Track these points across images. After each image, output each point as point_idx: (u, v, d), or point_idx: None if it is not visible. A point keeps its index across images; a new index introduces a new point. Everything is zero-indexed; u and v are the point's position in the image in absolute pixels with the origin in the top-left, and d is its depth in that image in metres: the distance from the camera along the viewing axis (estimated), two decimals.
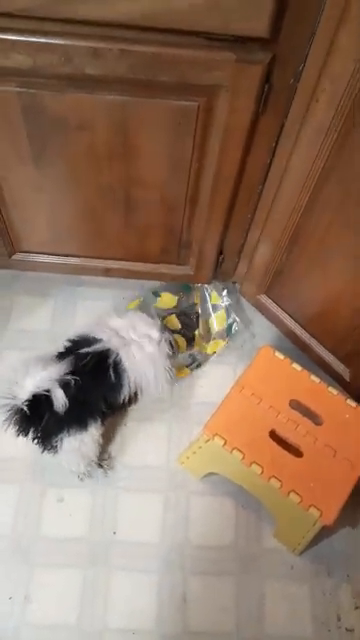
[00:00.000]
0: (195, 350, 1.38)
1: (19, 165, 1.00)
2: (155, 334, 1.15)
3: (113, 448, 1.27)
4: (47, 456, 1.24)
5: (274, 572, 1.16)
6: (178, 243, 1.22)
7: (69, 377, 1.04)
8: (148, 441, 1.28)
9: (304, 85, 0.82)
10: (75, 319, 1.43)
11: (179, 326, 1.36)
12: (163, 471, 1.25)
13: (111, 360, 1.09)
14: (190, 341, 1.37)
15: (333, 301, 1.13)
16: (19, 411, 1.01)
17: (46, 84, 0.84)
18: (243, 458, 1.02)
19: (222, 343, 1.40)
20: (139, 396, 1.17)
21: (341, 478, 1.01)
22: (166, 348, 1.17)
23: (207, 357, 1.39)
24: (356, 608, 1.13)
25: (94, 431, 1.10)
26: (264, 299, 1.33)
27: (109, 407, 1.13)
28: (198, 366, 1.38)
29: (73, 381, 1.03)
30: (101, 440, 1.15)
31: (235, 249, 1.26)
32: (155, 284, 1.45)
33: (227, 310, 1.42)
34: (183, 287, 1.43)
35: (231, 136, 0.92)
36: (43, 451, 1.09)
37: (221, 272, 1.34)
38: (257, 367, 1.14)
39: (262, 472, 1.00)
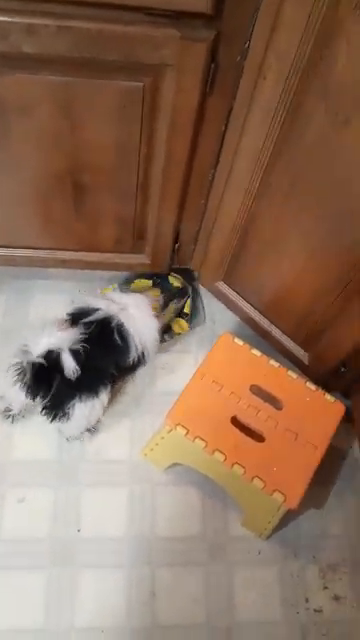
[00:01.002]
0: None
1: None
2: (144, 297, 1.22)
3: (74, 443, 1.24)
4: (4, 456, 1.21)
5: (242, 559, 1.16)
6: (132, 232, 1.19)
7: (79, 345, 1.07)
8: (110, 434, 1.26)
9: (251, 63, 0.80)
10: (29, 314, 1.39)
11: (158, 293, 1.36)
12: (126, 464, 1.23)
13: (114, 324, 1.13)
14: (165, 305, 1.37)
15: (290, 285, 1.13)
16: (34, 366, 1.04)
17: None
18: (206, 446, 1.00)
19: (185, 327, 1.39)
20: (146, 357, 1.21)
21: (303, 461, 1.01)
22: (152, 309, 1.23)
23: (173, 335, 1.39)
24: (324, 588, 1.14)
25: (104, 397, 1.15)
26: (222, 286, 1.32)
27: (119, 370, 1.19)
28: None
29: (82, 349, 1.07)
30: (107, 404, 1.18)
31: (190, 236, 1.24)
32: (112, 274, 1.42)
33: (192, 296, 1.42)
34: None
35: (179, 118, 0.90)
36: (53, 419, 1.10)
37: (178, 260, 1.32)
38: (217, 354, 1.13)
39: (225, 459, 0.99)
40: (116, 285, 1.39)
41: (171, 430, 1.05)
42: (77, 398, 1.08)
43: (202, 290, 1.44)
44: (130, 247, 1.24)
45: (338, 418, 1.06)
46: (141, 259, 1.28)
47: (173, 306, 1.36)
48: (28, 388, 1.06)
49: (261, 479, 0.98)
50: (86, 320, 1.13)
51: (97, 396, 1.12)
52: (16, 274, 1.43)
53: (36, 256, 1.24)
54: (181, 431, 1.02)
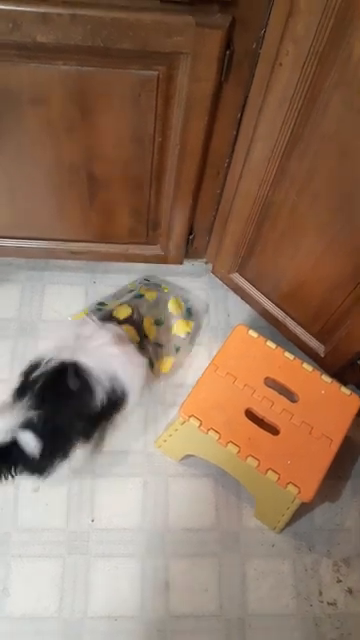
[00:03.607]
0: (156, 339, 1.33)
1: None
2: (99, 326, 1.10)
3: None
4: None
5: (256, 551, 1.16)
6: (146, 222, 1.18)
7: (30, 414, 0.97)
8: (124, 425, 1.26)
9: (267, 49, 0.79)
10: (43, 305, 1.39)
11: (130, 312, 1.27)
12: (141, 455, 1.23)
13: (69, 370, 1.01)
14: (140, 327, 1.28)
15: (305, 277, 1.12)
16: None
17: None
18: (219, 438, 1.00)
19: (190, 323, 1.38)
20: (129, 394, 1.08)
21: (318, 454, 1.00)
22: (119, 337, 1.11)
23: (181, 339, 1.37)
24: (338, 582, 1.14)
25: (79, 452, 1.06)
26: (236, 278, 1.31)
27: (90, 419, 1.05)
28: (177, 350, 1.35)
29: (35, 416, 0.96)
30: (93, 447, 1.14)
31: (205, 227, 1.23)
32: (127, 265, 1.42)
33: (181, 297, 1.40)
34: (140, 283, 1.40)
35: (194, 107, 0.89)
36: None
37: (192, 251, 1.31)
38: (231, 346, 1.12)
39: (239, 451, 0.99)
40: (88, 310, 1.35)
41: (185, 421, 1.04)
42: (46, 472, 1.01)
43: (216, 282, 1.43)
44: (144, 238, 1.24)
45: (354, 411, 1.05)
46: (155, 250, 1.27)
47: (149, 321, 1.30)
48: None
49: (275, 472, 0.97)
50: (33, 376, 1.02)
51: (67, 457, 1.03)
52: (31, 266, 1.43)
53: (51, 248, 1.24)
54: (194, 423, 1.02)
